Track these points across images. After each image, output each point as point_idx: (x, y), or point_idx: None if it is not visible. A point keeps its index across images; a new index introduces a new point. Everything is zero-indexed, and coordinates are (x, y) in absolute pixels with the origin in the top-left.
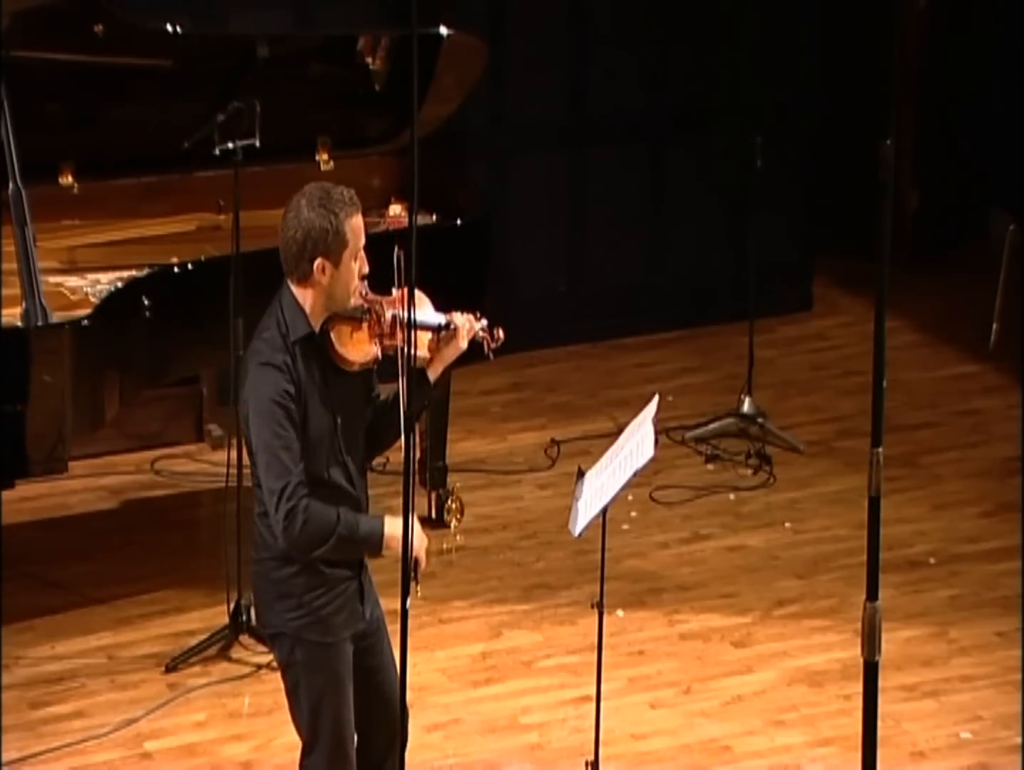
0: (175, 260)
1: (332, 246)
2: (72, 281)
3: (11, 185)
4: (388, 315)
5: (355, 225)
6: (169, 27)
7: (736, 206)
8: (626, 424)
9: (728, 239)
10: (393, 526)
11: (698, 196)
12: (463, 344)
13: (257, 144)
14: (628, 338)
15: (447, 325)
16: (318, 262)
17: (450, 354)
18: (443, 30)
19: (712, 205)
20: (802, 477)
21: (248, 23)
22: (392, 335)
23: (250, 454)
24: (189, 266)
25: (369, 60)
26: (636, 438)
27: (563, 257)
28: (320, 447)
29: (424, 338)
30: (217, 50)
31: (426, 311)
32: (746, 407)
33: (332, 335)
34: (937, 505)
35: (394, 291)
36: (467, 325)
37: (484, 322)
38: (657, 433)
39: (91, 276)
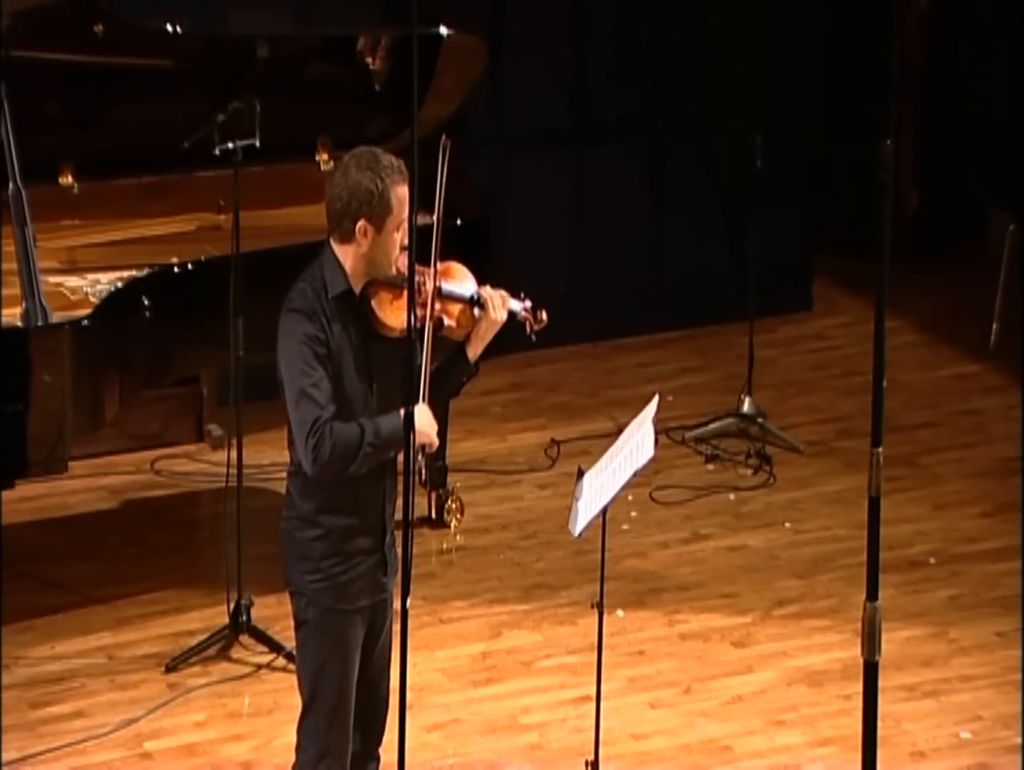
0: (175, 260)
1: (376, 210)
2: (72, 281)
3: (11, 185)
4: (429, 285)
5: (401, 194)
6: (169, 27)
7: (736, 206)
8: (626, 424)
9: (728, 239)
10: (416, 417)
11: (698, 196)
12: (497, 316)
13: (257, 144)
14: (628, 338)
15: (478, 298)
16: (360, 223)
17: (485, 329)
18: (443, 30)
19: (712, 205)
20: (802, 477)
21: (248, 23)
22: (428, 304)
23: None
24: (189, 266)
25: (369, 60)
26: (636, 438)
27: (563, 257)
28: (351, 410)
29: (454, 309)
30: (217, 50)
31: (463, 284)
32: (746, 407)
33: (373, 301)
34: (937, 505)
35: (437, 263)
36: (498, 298)
37: (528, 302)
38: (657, 433)
39: (91, 276)
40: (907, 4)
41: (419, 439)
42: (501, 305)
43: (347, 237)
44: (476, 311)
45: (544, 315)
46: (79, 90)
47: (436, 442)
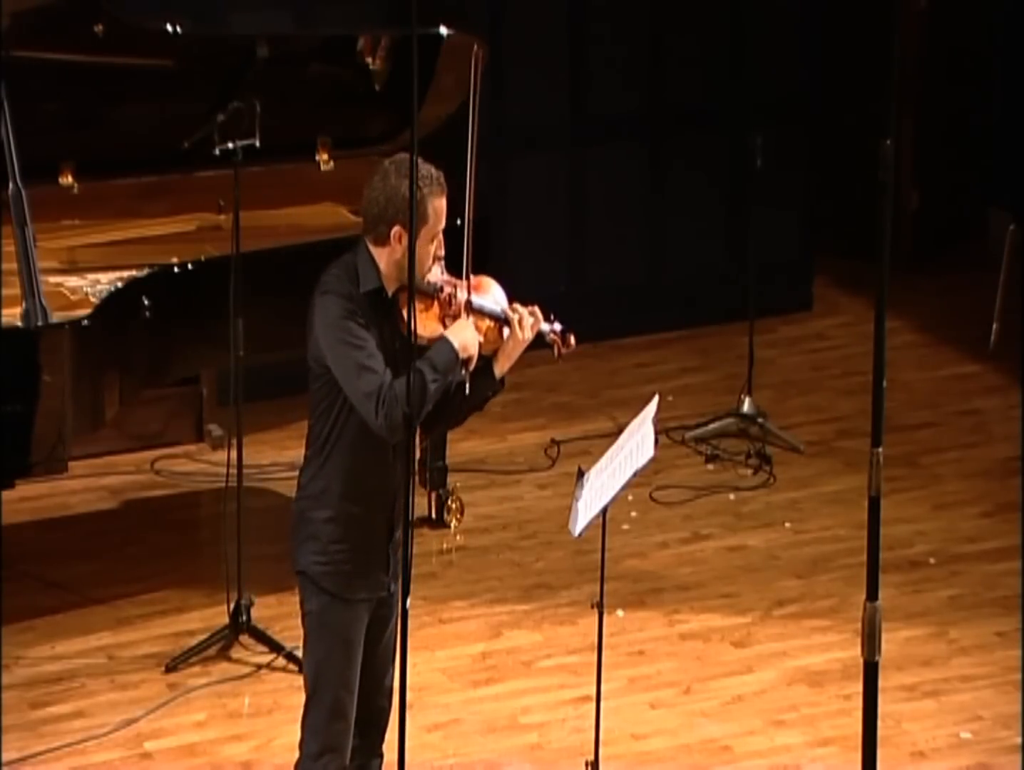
0: (175, 260)
1: None
2: (72, 281)
3: (11, 185)
4: (460, 297)
5: (438, 206)
6: (169, 27)
7: (736, 206)
8: (626, 424)
9: (728, 239)
10: (456, 334)
11: (698, 196)
12: (524, 336)
13: (257, 144)
14: (628, 338)
15: (506, 317)
16: (396, 229)
17: (512, 348)
18: (443, 30)
19: (712, 205)
20: (802, 477)
21: (248, 23)
22: (459, 317)
23: (314, 387)
24: (189, 266)
25: (369, 60)
26: (636, 438)
27: (563, 257)
28: None
29: (483, 325)
30: (217, 50)
31: (493, 300)
32: (746, 407)
33: (404, 308)
34: (937, 505)
35: (470, 276)
36: (528, 318)
37: (557, 325)
38: (657, 433)
39: (91, 276)
40: (907, 4)
41: (464, 353)
42: (531, 326)
43: (382, 241)
44: (505, 330)
45: (573, 340)
46: (79, 90)
47: (476, 353)
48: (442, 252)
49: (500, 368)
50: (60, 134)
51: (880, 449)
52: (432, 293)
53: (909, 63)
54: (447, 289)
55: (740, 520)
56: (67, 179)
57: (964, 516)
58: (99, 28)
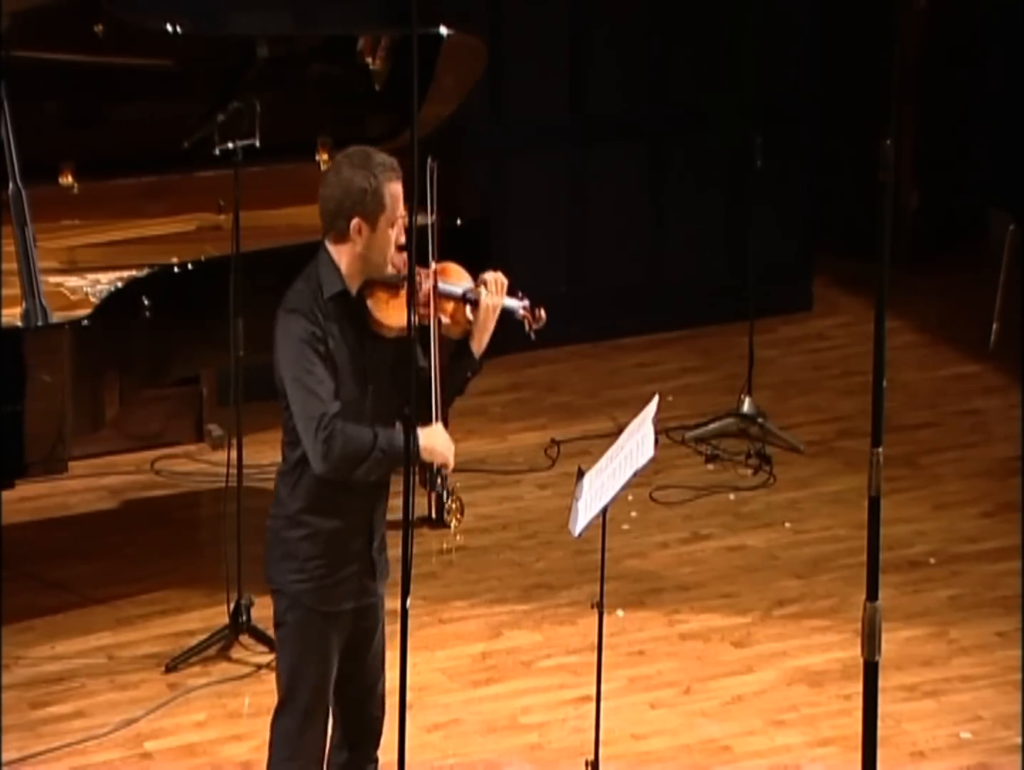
0: (175, 260)
1: (369, 207)
2: (72, 281)
3: (11, 185)
4: (426, 284)
5: (394, 191)
6: (169, 27)
7: (736, 206)
8: (626, 424)
9: (728, 239)
10: (427, 436)
11: (698, 196)
12: (494, 301)
13: (257, 144)
14: (628, 338)
15: (470, 296)
16: (355, 222)
17: (485, 319)
18: (443, 30)
19: (712, 205)
20: (802, 477)
21: (248, 23)
22: (428, 304)
23: (283, 406)
24: (189, 266)
25: (369, 60)
26: (636, 438)
27: (563, 257)
28: (348, 410)
29: (449, 306)
30: (217, 50)
31: (458, 282)
32: (746, 407)
33: (369, 301)
34: (937, 505)
35: (432, 263)
36: (494, 282)
37: (526, 301)
38: (657, 433)
39: (91, 276)
40: (907, 4)
41: (436, 460)
42: (497, 290)
43: (342, 237)
44: (469, 309)
45: (543, 313)
46: (79, 90)
47: (452, 464)
48: (403, 238)
49: (477, 344)
50: (60, 134)
51: (880, 449)
52: (397, 283)
53: (909, 63)
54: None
55: (740, 520)
56: (67, 179)
57: (964, 516)
58: (99, 28)
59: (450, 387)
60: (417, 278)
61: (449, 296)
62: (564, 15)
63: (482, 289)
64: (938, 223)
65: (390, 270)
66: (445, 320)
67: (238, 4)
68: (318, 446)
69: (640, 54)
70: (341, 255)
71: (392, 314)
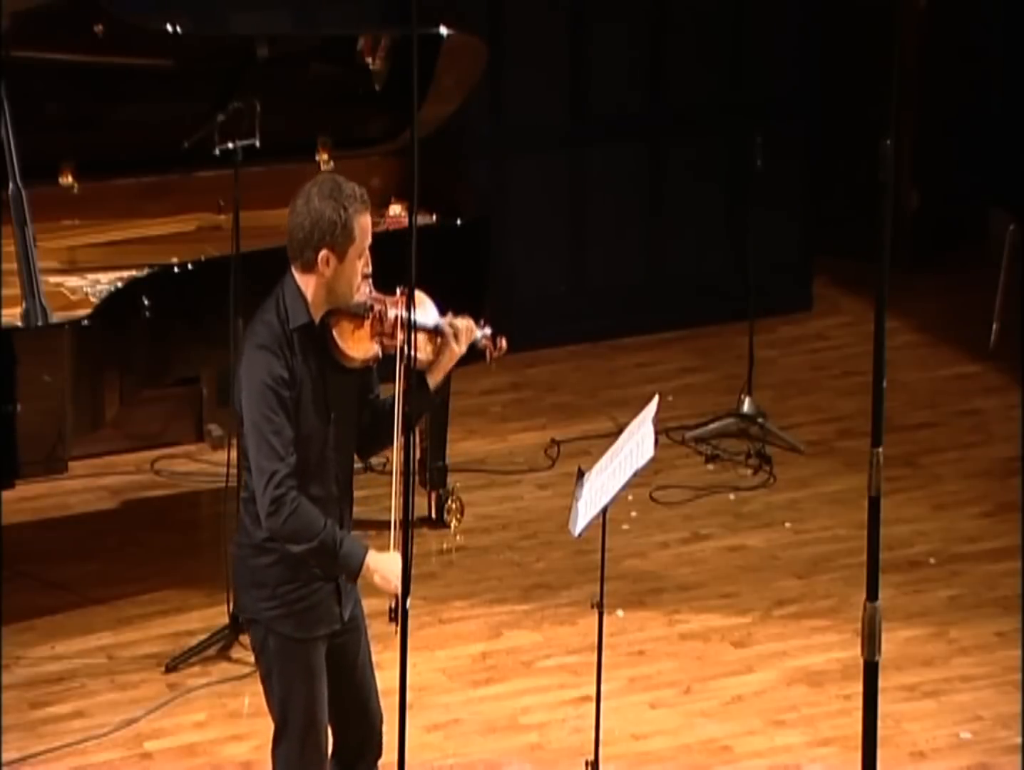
0: (175, 260)
1: (339, 239)
2: (72, 281)
3: (11, 185)
4: (391, 314)
5: (363, 224)
6: (169, 27)
7: (736, 206)
8: (626, 424)
9: (728, 239)
10: (376, 561)
11: (698, 196)
12: (460, 349)
13: (257, 144)
14: (628, 338)
15: (442, 329)
16: (323, 253)
17: (447, 360)
18: (443, 30)
19: (712, 205)
20: (802, 477)
21: (248, 23)
22: (393, 335)
23: (240, 435)
24: (189, 266)
25: (369, 60)
26: (636, 438)
27: (563, 257)
28: (311, 441)
29: (421, 340)
30: (217, 50)
31: (427, 313)
32: (746, 407)
33: (334, 330)
34: (937, 505)
35: (398, 291)
36: (465, 330)
37: (488, 330)
38: (657, 433)
39: (91, 276)
40: (907, 4)
41: (378, 584)
42: (465, 336)
43: (309, 267)
44: (438, 340)
45: (503, 343)
46: (79, 90)
47: (395, 591)
48: (369, 269)
49: (434, 381)
50: (60, 134)
51: (880, 449)
52: (363, 313)
53: (909, 63)
54: (377, 307)
55: (740, 520)
56: (67, 179)
57: (964, 516)
58: (99, 28)
59: (407, 418)
60: (380, 307)
61: (424, 330)
62: (564, 15)
63: (451, 330)
64: (938, 223)
65: (357, 299)
66: (421, 356)
67: (238, 4)
68: (265, 502)
69: (640, 54)
70: (307, 285)
71: (356, 346)
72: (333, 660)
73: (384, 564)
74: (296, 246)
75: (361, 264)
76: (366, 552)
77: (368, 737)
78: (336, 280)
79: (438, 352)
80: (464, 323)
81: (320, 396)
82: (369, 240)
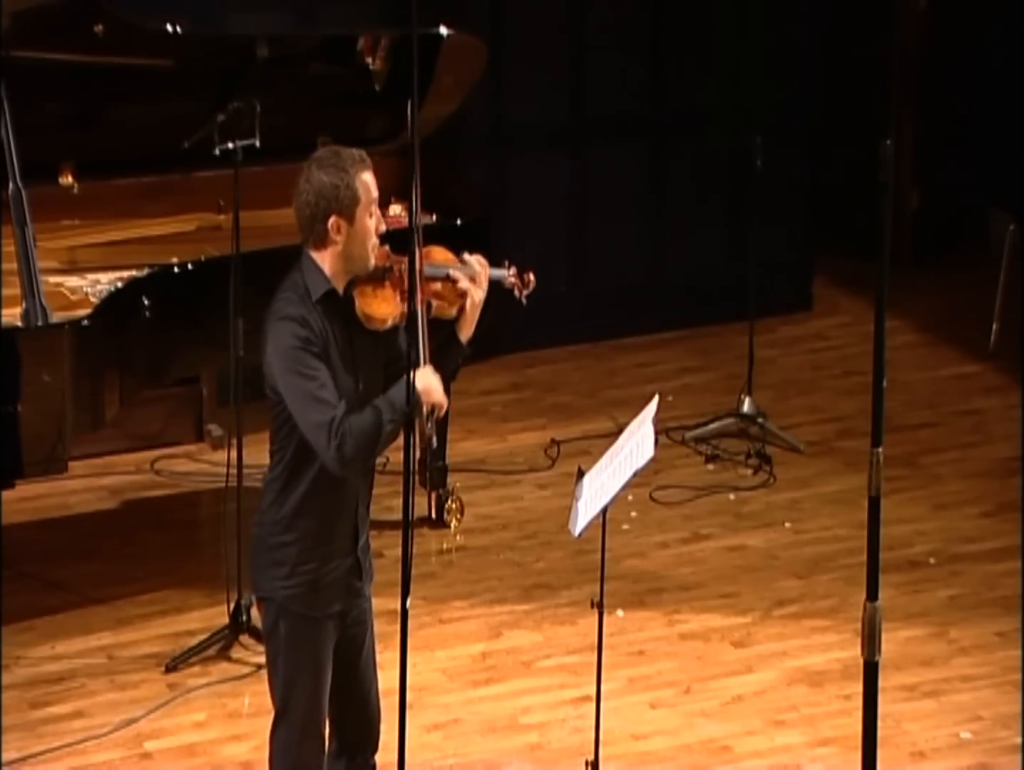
0: (175, 260)
1: (344, 202)
2: (72, 281)
3: (11, 185)
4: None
5: (366, 180)
6: (169, 27)
7: (736, 206)
8: (626, 424)
9: (728, 239)
10: (422, 378)
11: (698, 196)
12: (480, 291)
13: (257, 144)
14: (628, 338)
15: (454, 276)
16: (332, 220)
17: (471, 308)
18: (443, 30)
19: (712, 205)
20: (802, 477)
21: (248, 23)
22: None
23: (271, 417)
24: (189, 266)
25: (369, 60)
26: (636, 438)
27: (563, 257)
28: None
29: (437, 287)
30: (217, 50)
31: (443, 264)
32: (746, 407)
33: (357, 298)
34: (937, 505)
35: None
36: (481, 270)
37: (513, 268)
38: (657, 433)
39: (91, 276)
40: (907, 4)
41: (428, 398)
42: (483, 277)
43: (322, 241)
44: (458, 287)
45: (531, 276)
46: (79, 90)
47: (445, 403)
48: (383, 227)
49: (465, 332)
50: (60, 134)
51: (880, 449)
52: (383, 275)
53: (909, 63)
54: (396, 268)
55: (740, 520)
56: (67, 179)
57: (964, 516)
58: (99, 28)
59: (443, 375)
60: (399, 267)
61: (435, 277)
62: (564, 15)
63: (467, 271)
64: (938, 223)
65: (374, 261)
66: (437, 302)
67: (238, 4)
68: (332, 452)
69: (640, 54)
70: (323, 259)
71: (380, 306)
72: (340, 652)
73: (427, 381)
74: (306, 224)
75: (374, 222)
76: (415, 383)
77: (367, 730)
78: (350, 244)
79: (461, 301)
80: (476, 261)
81: (348, 361)
82: (376, 195)
